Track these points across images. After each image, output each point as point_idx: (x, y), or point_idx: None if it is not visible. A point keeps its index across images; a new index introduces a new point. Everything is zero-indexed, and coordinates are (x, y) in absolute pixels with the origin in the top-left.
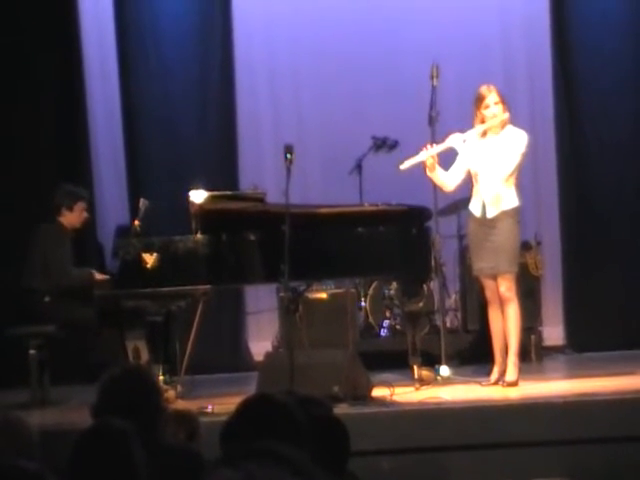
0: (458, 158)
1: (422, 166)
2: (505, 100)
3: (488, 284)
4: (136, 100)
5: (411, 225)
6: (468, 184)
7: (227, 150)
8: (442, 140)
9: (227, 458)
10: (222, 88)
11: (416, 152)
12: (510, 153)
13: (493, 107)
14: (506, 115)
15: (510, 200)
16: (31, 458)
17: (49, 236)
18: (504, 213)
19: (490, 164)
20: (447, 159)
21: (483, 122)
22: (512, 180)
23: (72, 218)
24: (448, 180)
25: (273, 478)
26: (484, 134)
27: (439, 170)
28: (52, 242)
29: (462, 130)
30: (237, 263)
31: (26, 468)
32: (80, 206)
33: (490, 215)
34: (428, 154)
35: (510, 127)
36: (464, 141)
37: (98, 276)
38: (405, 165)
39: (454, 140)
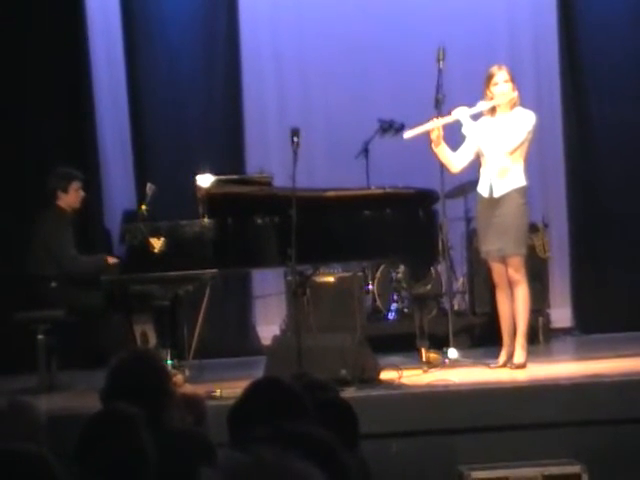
0: (467, 138)
1: (428, 141)
2: (515, 80)
3: (496, 267)
4: (142, 85)
5: (418, 208)
6: (475, 166)
7: (233, 134)
8: (448, 114)
9: (235, 441)
10: (228, 72)
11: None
12: (516, 129)
13: (502, 85)
14: (515, 94)
15: (517, 178)
16: (39, 443)
17: (49, 222)
18: (511, 192)
19: (496, 140)
20: (455, 141)
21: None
22: (518, 157)
23: (69, 199)
24: (455, 160)
25: (282, 461)
26: (493, 113)
27: (445, 147)
28: (53, 228)
29: (469, 106)
30: (244, 247)
31: (30, 452)
32: (74, 186)
33: (497, 193)
34: (434, 125)
35: (519, 108)
36: (469, 114)
37: (111, 260)
38: (409, 134)
39: (460, 113)
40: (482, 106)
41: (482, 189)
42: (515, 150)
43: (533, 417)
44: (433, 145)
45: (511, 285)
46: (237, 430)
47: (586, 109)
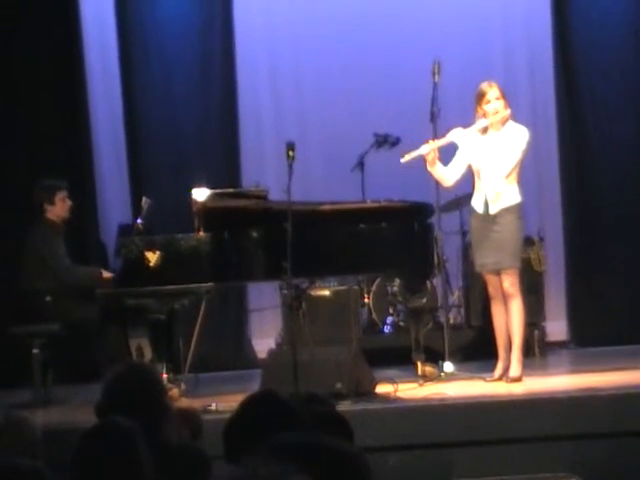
0: (458, 153)
1: (423, 161)
2: (506, 96)
3: (491, 280)
4: (138, 98)
5: (413, 221)
6: (469, 180)
7: (229, 148)
8: (444, 135)
9: (231, 455)
10: (224, 86)
11: (418, 147)
12: (511, 150)
13: (494, 102)
14: (508, 111)
15: (512, 196)
16: (35, 457)
17: (41, 235)
18: (506, 209)
19: (491, 161)
20: (448, 155)
21: (485, 117)
22: (513, 176)
23: (57, 210)
24: (447, 175)
25: (278, 474)
26: (485, 130)
27: (439, 165)
28: (45, 241)
29: (464, 126)
30: (240, 260)
31: (25, 467)
32: (60, 196)
33: (493, 210)
34: (430, 148)
35: (511, 123)
36: (465, 136)
37: (106, 274)
38: (406, 158)
39: (456, 135)
40: (477, 126)
41: (477, 205)
42: (511, 173)
43: (529, 430)
44: (428, 165)
45: (505, 299)
46: (233, 444)
47: (582, 124)
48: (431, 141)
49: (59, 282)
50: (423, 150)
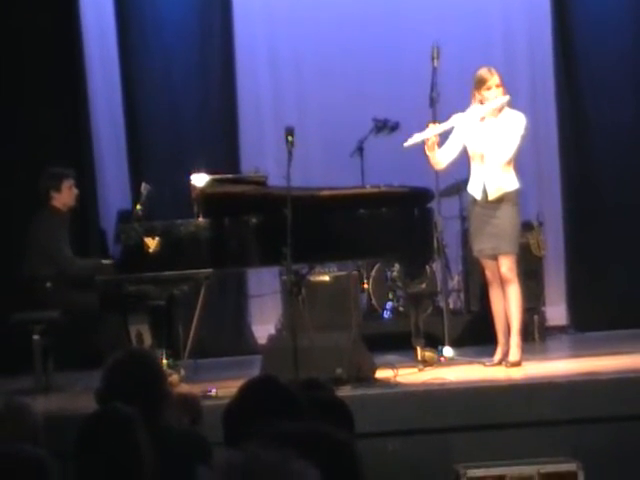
0: (451, 137)
1: (423, 144)
2: (504, 83)
3: (488, 264)
4: (137, 84)
5: (413, 206)
6: (467, 165)
7: (228, 133)
8: (445, 121)
9: (230, 440)
10: (223, 71)
11: (418, 131)
12: (509, 137)
13: (495, 90)
14: (507, 98)
15: (510, 183)
16: (36, 443)
17: (45, 224)
18: (504, 196)
19: (490, 148)
20: (443, 138)
21: (482, 104)
22: (511, 163)
23: (63, 198)
24: (442, 158)
25: (277, 459)
26: (482, 117)
27: (437, 149)
28: (49, 230)
29: (463, 111)
30: (239, 246)
31: (27, 453)
32: (67, 184)
33: (491, 196)
34: (432, 132)
35: (507, 109)
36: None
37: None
38: (409, 142)
39: (457, 120)
40: (478, 111)
41: (474, 191)
42: (511, 160)
43: (529, 415)
44: (427, 149)
45: (503, 284)
46: (232, 429)
47: (581, 107)
48: (432, 124)
49: (60, 272)
50: (426, 134)
